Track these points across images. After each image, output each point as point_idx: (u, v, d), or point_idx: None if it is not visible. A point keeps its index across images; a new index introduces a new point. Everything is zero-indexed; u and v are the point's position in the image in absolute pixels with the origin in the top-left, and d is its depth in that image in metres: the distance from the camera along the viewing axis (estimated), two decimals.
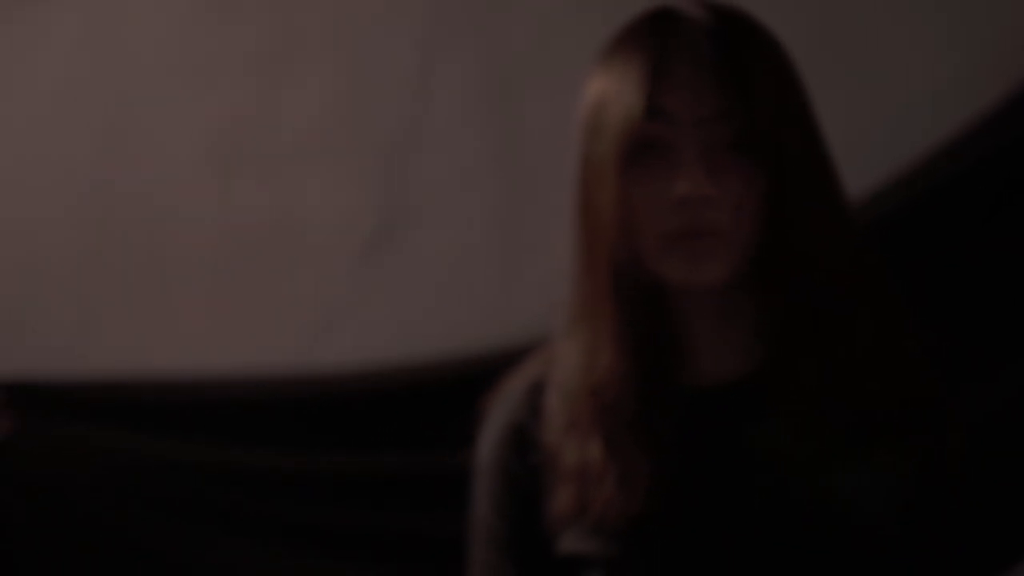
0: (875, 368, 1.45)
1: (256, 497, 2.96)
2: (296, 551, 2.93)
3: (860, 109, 2.81)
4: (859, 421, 1.45)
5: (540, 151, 2.97)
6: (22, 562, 3.01)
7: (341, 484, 2.93)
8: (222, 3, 3.13)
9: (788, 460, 1.43)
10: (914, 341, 1.49)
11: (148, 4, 3.15)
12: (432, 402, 2.89)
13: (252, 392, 3.02)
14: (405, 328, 3.03)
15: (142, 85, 3.17)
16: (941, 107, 2.80)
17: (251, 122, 3.13)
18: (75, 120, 3.19)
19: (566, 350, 1.50)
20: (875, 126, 2.85)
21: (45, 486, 3.01)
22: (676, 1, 1.47)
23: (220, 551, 2.97)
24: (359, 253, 3.08)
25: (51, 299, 3.19)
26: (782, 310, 1.44)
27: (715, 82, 1.41)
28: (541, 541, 1.51)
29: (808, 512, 1.43)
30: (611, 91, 1.45)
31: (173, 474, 3.00)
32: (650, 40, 1.44)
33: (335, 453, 2.96)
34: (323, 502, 2.94)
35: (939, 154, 2.69)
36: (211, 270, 3.14)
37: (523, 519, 1.52)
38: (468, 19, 3.03)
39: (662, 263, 1.44)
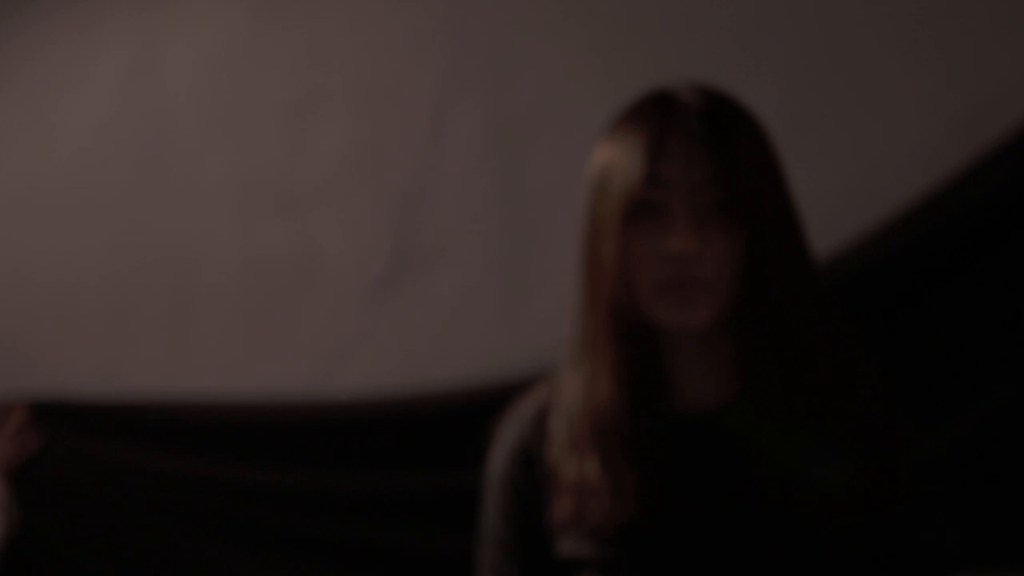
0: (834, 397, 1.64)
1: (273, 514, 2.99)
2: (310, 567, 2.97)
3: (835, 175, 2.85)
4: (822, 440, 1.63)
5: (541, 200, 3.02)
6: (50, 568, 3.06)
7: (353, 503, 2.96)
8: (254, 54, 3.19)
9: (760, 475, 1.62)
10: (869, 375, 1.69)
11: (186, 50, 3.21)
12: (438, 427, 2.92)
13: (270, 415, 3.04)
14: (413, 359, 3.06)
15: (176, 127, 3.23)
16: (910, 169, 2.85)
17: (275, 166, 3.18)
18: (114, 156, 3.25)
19: (569, 380, 1.69)
20: (858, 185, 2.88)
21: (72, 499, 3.05)
22: (673, 85, 1.68)
23: (237, 564, 3.00)
24: (372, 289, 3.12)
25: (85, 325, 3.24)
26: (756, 348, 1.63)
27: (705, 155, 1.60)
28: (543, 546, 1.69)
29: (779, 517, 1.61)
30: (616, 160, 1.64)
31: (193, 490, 3.03)
32: (650, 118, 1.63)
33: (348, 473, 2.98)
34: (336, 520, 2.97)
35: (910, 212, 2.76)
36: (234, 302, 3.19)
37: (527, 526, 1.70)
38: (478, 77, 3.08)
39: (655, 308, 1.62)
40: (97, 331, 3.25)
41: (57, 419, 3.12)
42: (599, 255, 1.65)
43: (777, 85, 2.91)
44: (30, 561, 3.07)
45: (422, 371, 3.06)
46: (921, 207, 2.77)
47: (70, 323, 3.27)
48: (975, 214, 2.76)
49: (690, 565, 1.63)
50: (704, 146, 1.61)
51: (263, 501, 3.02)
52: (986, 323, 2.75)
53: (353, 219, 3.15)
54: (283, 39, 3.20)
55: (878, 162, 2.88)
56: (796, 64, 2.93)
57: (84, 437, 3.10)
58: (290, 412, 3.04)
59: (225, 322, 3.20)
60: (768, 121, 2.83)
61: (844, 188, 2.88)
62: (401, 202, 3.13)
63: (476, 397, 2.91)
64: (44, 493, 3.08)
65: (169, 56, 3.23)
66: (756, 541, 1.63)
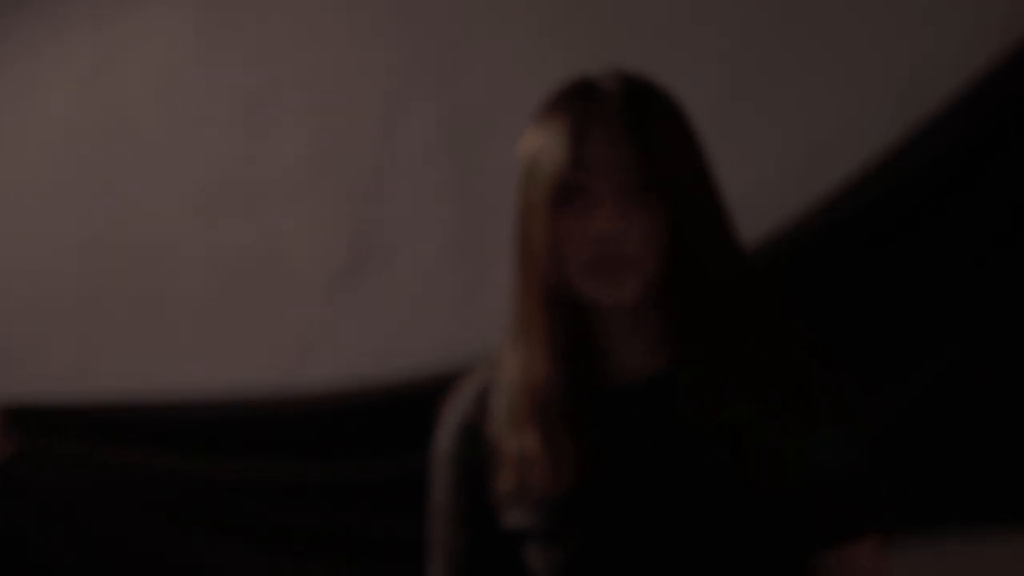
0: (762, 364, 1.72)
1: (245, 506, 3.05)
2: (283, 553, 3.02)
3: (772, 154, 2.94)
4: (753, 408, 1.71)
5: (494, 191, 3.05)
6: (29, 569, 3.10)
7: (322, 492, 3.02)
8: (210, 57, 3.25)
9: (692, 441, 1.70)
10: (798, 343, 1.76)
11: (141, 56, 3.26)
12: (402, 415, 2.98)
13: (238, 409, 3.10)
14: (376, 350, 3.11)
15: (138, 130, 3.28)
16: (847, 143, 2.92)
17: (235, 166, 3.23)
18: (77, 158, 3.30)
19: (508, 358, 1.77)
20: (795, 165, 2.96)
21: (48, 501, 3.10)
22: (594, 73, 1.76)
23: (210, 555, 3.05)
24: (333, 283, 3.18)
25: (55, 325, 3.30)
26: (684, 320, 1.71)
27: (625, 138, 1.68)
28: (490, 518, 1.77)
29: (713, 483, 1.69)
30: (542, 147, 1.72)
31: (167, 486, 3.08)
32: (573, 106, 1.71)
33: (315, 462, 3.04)
34: (306, 509, 3.03)
35: (845, 190, 2.86)
36: (201, 299, 3.25)
37: (474, 500, 1.77)
38: (430, 73, 3.13)
39: (585, 286, 1.70)
40: (68, 331, 3.30)
41: (30, 423, 3.17)
42: (530, 238, 1.73)
43: (729, 62, 2.99)
44: (7, 563, 3.11)
45: (384, 361, 3.10)
46: (864, 177, 2.84)
47: (40, 323, 3.32)
48: (914, 184, 2.84)
49: (628, 530, 1.71)
50: (624, 129, 1.69)
51: (235, 493, 3.07)
52: (929, 288, 2.83)
53: (312, 215, 3.20)
54: (235, 44, 3.25)
55: (836, 128, 2.94)
56: (746, 41, 3.00)
57: (58, 439, 3.15)
58: (257, 405, 3.10)
59: (192, 318, 3.24)
60: (719, 93, 2.95)
61: (811, 148, 2.95)
62: (358, 197, 3.18)
63: (436, 384, 2.85)
64: (20, 495, 3.12)
65: (129, 66, 3.29)
66: (691, 505, 1.70)
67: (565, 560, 1.71)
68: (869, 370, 2.81)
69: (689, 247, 1.70)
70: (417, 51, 3.16)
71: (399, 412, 3.01)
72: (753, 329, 1.73)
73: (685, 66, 2.88)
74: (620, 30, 3.04)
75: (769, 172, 2.94)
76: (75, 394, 3.22)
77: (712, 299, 1.72)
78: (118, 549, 3.10)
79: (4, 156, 3.38)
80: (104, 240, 3.30)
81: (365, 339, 3.16)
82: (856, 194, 2.86)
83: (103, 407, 3.18)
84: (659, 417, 1.72)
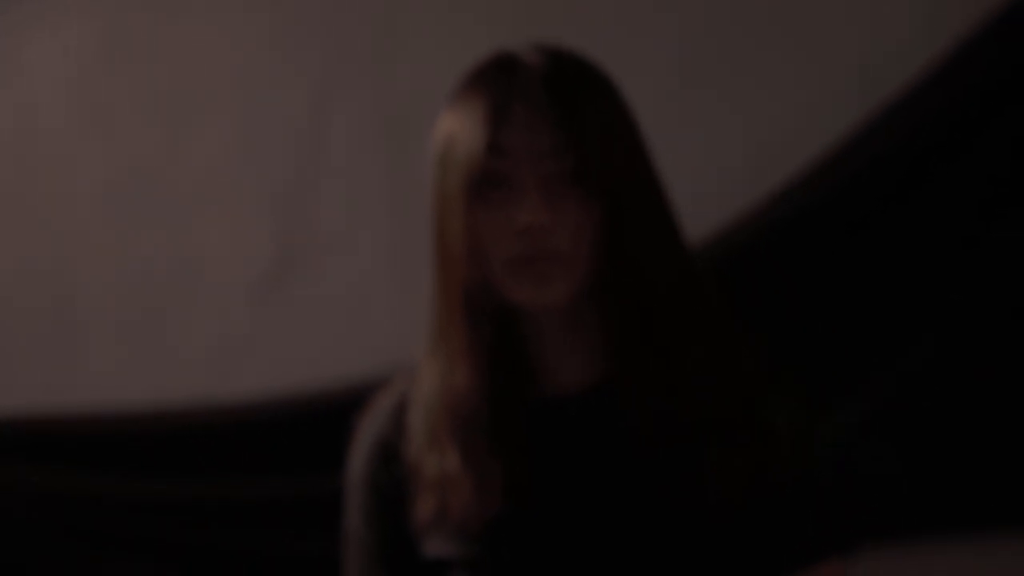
0: (708, 373, 1.56)
1: (163, 524, 2.98)
2: (200, 573, 2.97)
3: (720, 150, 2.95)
4: (698, 420, 1.56)
5: (427, 189, 3.06)
6: None
7: (244, 509, 2.97)
8: (121, 54, 3.18)
9: (632, 458, 1.55)
10: (747, 350, 1.61)
11: (49, 55, 3.19)
12: (332, 426, 2.95)
13: (156, 424, 3.04)
14: (307, 358, 3.06)
15: (46, 135, 3.22)
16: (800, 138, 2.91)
17: (150, 168, 3.18)
18: None
19: (426, 369, 1.61)
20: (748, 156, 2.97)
21: None
22: (515, 47, 1.59)
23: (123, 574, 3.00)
24: (259, 290, 3.13)
25: None
26: (622, 324, 1.55)
27: (550, 121, 1.52)
28: (409, 548, 1.61)
29: (655, 504, 1.54)
30: (457, 131, 1.56)
31: (81, 504, 3.02)
32: (491, 84, 1.55)
33: (236, 478, 2.99)
34: (226, 527, 2.97)
35: (794, 184, 2.84)
36: (114, 310, 3.18)
37: (391, 528, 1.62)
38: (357, 68, 3.09)
39: (509, 286, 1.54)
40: None
41: None
42: (447, 235, 1.58)
43: (690, 47, 2.97)
44: None
45: (316, 370, 3.04)
46: (822, 166, 2.83)
47: None
48: (877, 171, 2.82)
49: (562, 558, 1.55)
50: (549, 109, 1.53)
51: (151, 512, 3.01)
52: (898, 279, 2.80)
53: (234, 218, 3.15)
54: (154, 36, 3.19)
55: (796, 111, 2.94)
56: (707, 26, 2.98)
57: None
58: (177, 418, 3.04)
59: (106, 333, 3.19)
60: (679, 79, 2.94)
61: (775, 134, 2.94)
62: (282, 199, 3.14)
63: (369, 393, 2.88)
64: None
65: (36, 69, 3.23)
66: (632, 529, 1.55)
67: None
68: (839, 366, 2.77)
69: (626, 244, 1.55)
70: (345, 44, 3.11)
71: (325, 425, 2.93)
72: (698, 335, 1.58)
73: (644, 52, 2.90)
74: (574, 15, 3.00)
75: (735, 159, 2.92)
76: None
77: (652, 302, 1.56)
78: (29, 571, 3.03)
79: None
80: (10, 252, 3.24)
81: (293, 349, 3.10)
82: (815, 184, 2.84)
83: (10, 422, 3.10)
84: (595, 433, 1.57)
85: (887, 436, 2.72)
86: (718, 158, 2.94)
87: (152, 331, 3.16)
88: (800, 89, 2.93)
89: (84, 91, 3.20)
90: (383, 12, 3.08)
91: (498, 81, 1.55)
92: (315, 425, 2.94)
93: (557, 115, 1.52)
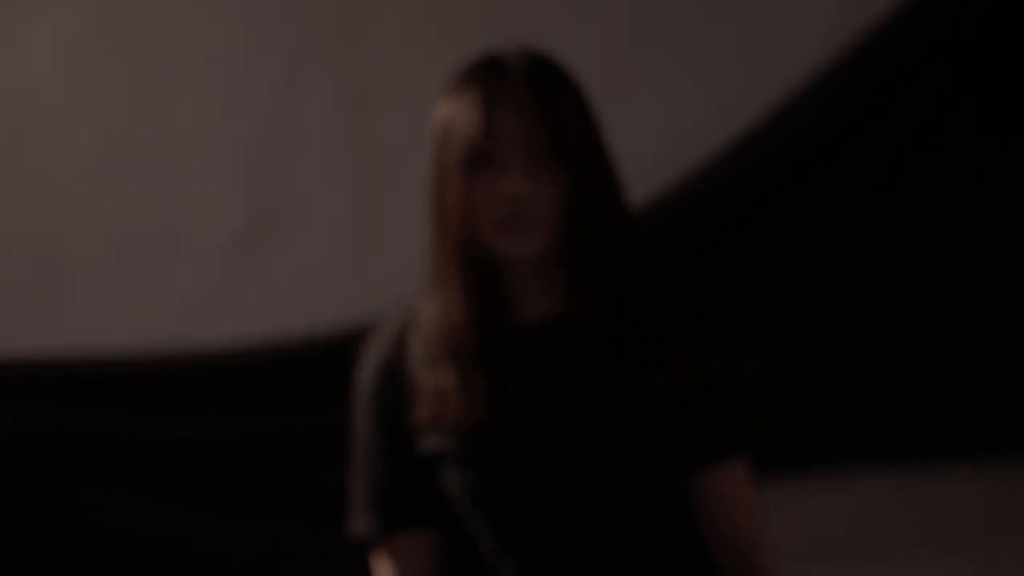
0: (647, 309, 1.96)
1: (157, 459, 3.14)
2: (198, 506, 3.12)
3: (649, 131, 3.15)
4: (641, 348, 1.95)
5: (390, 159, 3.27)
6: None
7: (226, 445, 3.14)
8: (108, 32, 3.37)
9: (588, 376, 1.94)
10: (681, 293, 2.01)
11: (43, 33, 3.37)
12: (304, 371, 3.14)
13: (146, 365, 3.21)
14: (274, 311, 3.27)
15: (36, 101, 3.40)
16: (719, 123, 3.17)
17: (134, 135, 3.37)
18: None
19: (425, 305, 1.98)
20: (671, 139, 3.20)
21: None
22: (501, 49, 1.98)
23: (125, 511, 3.14)
24: (229, 248, 3.33)
25: None
26: (581, 272, 1.95)
27: (533, 110, 1.91)
28: (408, 446, 1.98)
29: (607, 413, 1.93)
30: (455, 115, 1.94)
31: (79, 441, 3.16)
32: (484, 79, 1.93)
33: (221, 417, 3.17)
34: (215, 460, 3.14)
35: (715, 161, 3.11)
36: (100, 263, 3.36)
37: (393, 431, 1.99)
38: (327, 44, 3.31)
39: (494, 241, 1.92)
40: None
41: None
42: (445, 199, 1.95)
43: (635, 12, 3.20)
44: None
45: (286, 322, 3.25)
46: (726, 153, 3.08)
47: None
48: (776, 161, 3.10)
49: (532, 454, 1.94)
50: (531, 101, 1.92)
51: (146, 448, 3.17)
52: (791, 257, 3.09)
53: (212, 183, 3.35)
54: (133, 14, 3.38)
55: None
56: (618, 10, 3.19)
57: None
58: (163, 362, 3.21)
59: (92, 282, 3.37)
60: (627, 44, 3.13)
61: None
62: (256, 164, 3.33)
63: (336, 342, 3.12)
64: None
65: (26, 37, 3.38)
66: (585, 431, 1.94)
67: (477, 480, 1.94)
68: (744, 321, 3.04)
69: (587, 208, 1.93)
70: (315, 25, 3.31)
71: (302, 369, 3.16)
72: (640, 279, 1.97)
73: (593, 15, 3.09)
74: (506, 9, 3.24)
75: (686, 122, 3.12)
76: None
77: (605, 254, 1.95)
78: (30, 509, 3.16)
79: None
80: (5, 205, 3.39)
81: (262, 302, 3.30)
82: (735, 159, 3.08)
83: (6, 363, 3.24)
84: (560, 355, 1.95)
85: (774, 387, 3.04)
86: (667, 119, 3.14)
87: (134, 282, 3.35)
88: (749, 51, 3.11)
89: (74, 65, 3.38)
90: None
91: (489, 77, 1.94)
92: (288, 369, 3.15)
93: (537, 105, 1.91)
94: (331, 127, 3.32)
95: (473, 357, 1.94)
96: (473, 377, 1.93)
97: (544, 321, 1.98)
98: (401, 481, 2.00)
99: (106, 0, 3.37)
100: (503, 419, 1.93)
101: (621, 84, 3.12)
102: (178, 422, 3.17)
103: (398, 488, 2.00)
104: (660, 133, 3.17)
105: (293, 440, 3.11)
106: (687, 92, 3.20)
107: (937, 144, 3.07)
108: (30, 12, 3.38)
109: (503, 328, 1.96)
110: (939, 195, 3.08)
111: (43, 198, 3.39)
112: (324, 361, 3.08)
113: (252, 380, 3.19)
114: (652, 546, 1.96)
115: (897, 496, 3.21)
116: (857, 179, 3.07)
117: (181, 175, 3.37)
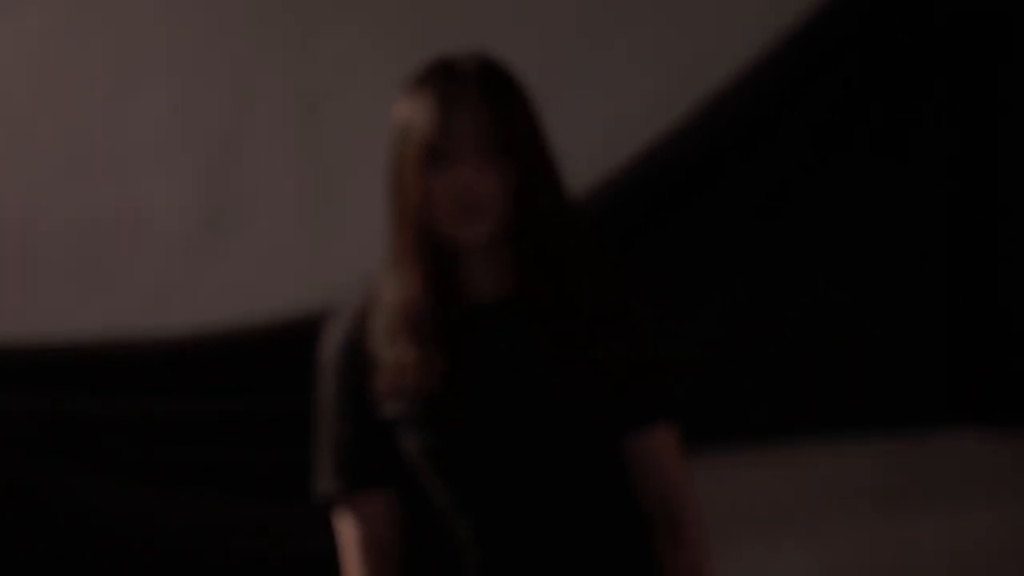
0: (585, 289, 2.15)
1: (123, 441, 3.20)
2: (162, 485, 3.19)
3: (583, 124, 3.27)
4: (580, 325, 2.14)
5: (339, 155, 3.39)
6: None
7: (197, 425, 3.21)
8: (74, 33, 3.44)
9: (532, 349, 2.13)
10: (616, 276, 2.20)
11: (14, 34, 3.43)
12: (261, 355, 3.24)
13: (109, 350, 3.27)
14: (234, 297, 3.36)
15: (2, 97, 3.45)
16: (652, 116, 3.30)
17: (99, 131, 3.43)
18: None
19: (386, 285, 2.17)
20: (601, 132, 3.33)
21: None
22: (454, 55, 2.17)
23: (93, 490, 3.19)
24: (189, 239, 3.42)
25: None
26: (525, 256, 2.14)
27: (483, 109, 2.10)
28: (370, 412, 2.16)
29: (546, 381, 2.12)
30: (413, 115, 2.12)
31: (46, 423, 3.20)
32: (438, 82, 2.12)
33: (180, 400, 3.24)
34: (173, 442, 3.20)
35: (653, 150, 3.28)
36: (63, 254, 3.42)
37: (355, 398, 2.16)
38: (280, 47, 3.41)
39: (448, 227, 2.11)
40: None
41: None
42: (404, 189, 2.14)
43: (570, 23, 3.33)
44: None
45: (246, 307, 3.34)
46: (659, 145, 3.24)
47: None
48: (702, 152, 3.27)
49: (484, 418, 2.13)
50: (482, 102, 2.11)
51: (114, 430, 3.22)
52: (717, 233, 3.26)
53: (172, 177, 3.43)
54: (100, 13, 3.45)
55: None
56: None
57: None
58: (128, 347, 3.29)
59: (55, 273, 3.42)
60: (565, 28, 3.26)
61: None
62: (214, 158, 3.41)
63: (295, 326, 3.24)
64: None
65: (1, 33, 3.44)
66: (531, 396, 2.13)
67: (434, 443, 2.13)
68: (676, 300, 3.22)
69: (532, 198, 2.13)
70: (268, 32, 3.41)
71: (258, 353, 3.26)
72: (580, 262, 2.17)
73: (530, 24, 3.22)
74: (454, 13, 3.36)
75: (621, 118, 3.27)
76: None
77: (547, 239, 2.15)
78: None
79: None
80: None
81: (220, 290, 3.39)
82: (664, 152, 3.25)
83: None
84: (507, 330, 2.15)
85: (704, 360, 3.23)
86: (603, 115, 3.25)
87: (98, 271, 3.41)
88: (698, 35, 3.22)
89: (44, 63, 3.44)
90: (304, 3, 3.40)
91: (443, 80, 2.13)
92: (250, 352, 3.24)
93: (488, 106, 2.10)
94: (285, 122, 3.39)
95: (430, 331, 2.12)
96: (430, 349, 2.12)
97: (494, 299, 2.17)
98: (363, 444, 2.17)
99: (74, 5, 3.44)
100: (457, 387, 2.12)
101: (560, 84, 3.22)
102: (144, 405, 3.23)
103: (360, 451, 2.17)
104: (597, 128, 3.30)
105: (258, 420, 3.20)
106: (622, 90, 3.33)
107: (847, 135, 3.27)
108: (3, 14, 3.44)
109: (457, 305, 2.15)
110: (850, 180, 3.28)
111: (7, 190, 3.44)
112: (285, 344, 3.19)
113: (216, 364, 3.27)
114: (593, 502, 2.16)
115: (818, 466, 3.38)
116: (773, 169, 3.25)
117: (142, 168, 3.43)
